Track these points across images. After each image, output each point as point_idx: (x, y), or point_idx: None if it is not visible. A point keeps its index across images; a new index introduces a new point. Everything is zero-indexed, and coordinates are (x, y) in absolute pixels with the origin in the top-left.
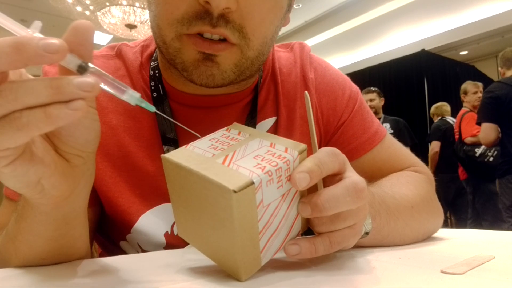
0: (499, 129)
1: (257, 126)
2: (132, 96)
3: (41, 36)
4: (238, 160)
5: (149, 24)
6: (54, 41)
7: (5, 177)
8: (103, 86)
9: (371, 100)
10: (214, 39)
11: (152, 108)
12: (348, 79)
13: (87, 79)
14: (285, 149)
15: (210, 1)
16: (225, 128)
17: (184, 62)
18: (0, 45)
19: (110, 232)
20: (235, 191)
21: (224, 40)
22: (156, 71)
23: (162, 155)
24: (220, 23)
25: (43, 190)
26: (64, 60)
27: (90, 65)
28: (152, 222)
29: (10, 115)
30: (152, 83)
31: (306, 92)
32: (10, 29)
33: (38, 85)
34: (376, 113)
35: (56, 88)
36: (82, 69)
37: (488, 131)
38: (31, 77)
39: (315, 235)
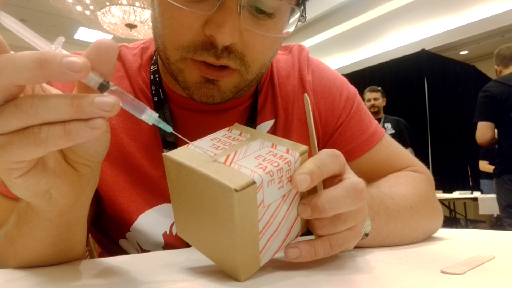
0: (495, 128)
1: (256, 128)
2: (150, 116)
3: (65, 52)
4: (240, 160)
5: (149, 24)
6: (78, 59)
7: (16, 187)
8: (122, 104)
9: (375, 99)
10: (216, 65)
11: (169, 129)
12: (345, 80)
13: (108, 99)
14: (287, 150)
15: (216, 38)
16: (227, 128)
17: (187, 82)
18: (23, 59)
19: (109, 230)
20: (236, 190)
21: (225, 66)
22: (156, 75)
23: (164, 153)
24: (224, 54)
25: (50, 198)
26: (86, 78)
27: (111, 84)
28: (151, 221)
29: (28, 129)
30: (153, 87)
31: (306, 94)
32: (34, 43)
33: (59, 102)
34: (378, 112)
35: (77, 107)
36: (103, 88)
37: (484, 130)
38: (48, 87)
39: (315, 238)
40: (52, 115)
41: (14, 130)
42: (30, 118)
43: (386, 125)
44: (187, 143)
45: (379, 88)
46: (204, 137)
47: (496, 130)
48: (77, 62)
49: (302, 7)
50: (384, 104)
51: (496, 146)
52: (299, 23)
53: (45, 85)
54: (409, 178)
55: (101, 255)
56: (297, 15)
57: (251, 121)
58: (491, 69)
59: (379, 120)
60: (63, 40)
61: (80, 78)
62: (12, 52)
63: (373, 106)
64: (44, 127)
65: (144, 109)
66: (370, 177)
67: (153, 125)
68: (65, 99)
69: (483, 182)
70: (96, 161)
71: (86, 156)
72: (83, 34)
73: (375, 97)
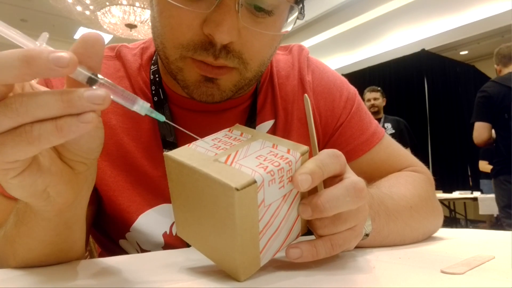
0: (492, 128)
1: (255, 129)
2: (142, 107)
3: (50, 48)
4: (241, 159)
5: (149, 24)
6: (64, 54)
7: (13, 187)
8: (113, 97)
9: (375, 99)
10: (215, 65)
11: (162, 118)
12: (345, 80)
13: (98, 92)
14: (287, 150)
15: (214, 36)
16: (227, 129)
17: (186, 81)
18: (9, 57)
19: (109, 230)
20: (237, 189)
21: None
22: (156, 75)
23: (165, 153)
24: (222, 54)
25: (48, 198)
26: (73, 73)
27: (100, 76)
28: (151, 221)
29: (20, 128)
30: (153, 87)
31: (306, 95)
32: (17, 41)
33: (49, 99)
34: (378, 112)
35: (67, 102)
36: (92, 81)
37: (481, 130)
38: (38, 86)
39: (316, 238)
40: (43, 112)
41: (6, 130)
42: (21, 116)
43: (386, 125)
44: (187, 143)
45: (379, 88)
46: (205, 137)
47: (493, 131)
48: (64, 57)
49: (301, 5)
50: (384, 104)
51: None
52: (299, 21)
53: (34, 84)
54: (409, 178)
55: (101, 255)
56: (296, 13)
57: (251, 121)
58: (491, 69)
59: (379, 120)
60: (47, 36)
61: (67, 73)
62: None
63: (373, 106)
64: (35, 125)
65: (135, 100)
66: (370, 177)
67: (152, 124)
68: (55, 95)
69: (483, 182)
70: (91, 158)
71: (80, 153)
72: None
73: (375, 97)
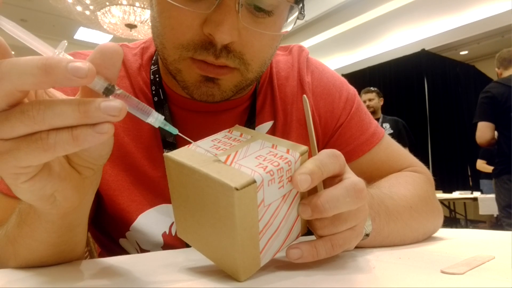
0: (495, 128)
1: (255, 130)
2: (156, 119)
3: (69, 57)
4: (240, 159)
5: (149, 24)
6: (83, 65)
7: (22, 191)
8: (128, 108)
9: (370, 100)
10: (216, 64)
11: (175, 131)
12: (345, 81)
13: (114, 103)
14: (287, 151)
15: (215, 36)
16: (227, 130)
17: (185, 81)
18: (27, 64)
19: (109, 229)
20: (237, 189)
21: (225, 65)
22: (157, 75)
23: (165, 153)
24: (223, 54)
25: (54, 201)
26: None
27: (116, 87)
28: (150, 221)
29: (36, 135)
30: (153, 88)
31: (305, 96)
32: (36, 48)
33: (66, 108)
34: (374, 113)
35: (84, 112)
36: (108, 92)
37: (484, 130)
38: (52, 90)
39: (316, 239)
40: (59, 121)
41: (21, 135)
42: (37, 124)
43: (384, 125)
44: (187, 144)
45: (374, 88)
46: (205, 138)
47: (495, 131)
48: (82, 68)
49: (301, 5)
50: (381, 103)
51: (496, 147)
52: (299, 21)
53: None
54: (409, 179)
55: (101, 255)
56: (296, 13)
57: (250, 122)
58: (491, 69)
59: (377, 120)
60: (66, 44)
61: (85, 83)
62: (15, 58)
63: (368, 107)
64: (51, 133)
65: (150, 112)
66: (370, 177)
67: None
68: (72, 105)
69: (483, 182)
70: (99, 164)
71: (89, 159)
72: (83, 34)
73: (370, 98)
